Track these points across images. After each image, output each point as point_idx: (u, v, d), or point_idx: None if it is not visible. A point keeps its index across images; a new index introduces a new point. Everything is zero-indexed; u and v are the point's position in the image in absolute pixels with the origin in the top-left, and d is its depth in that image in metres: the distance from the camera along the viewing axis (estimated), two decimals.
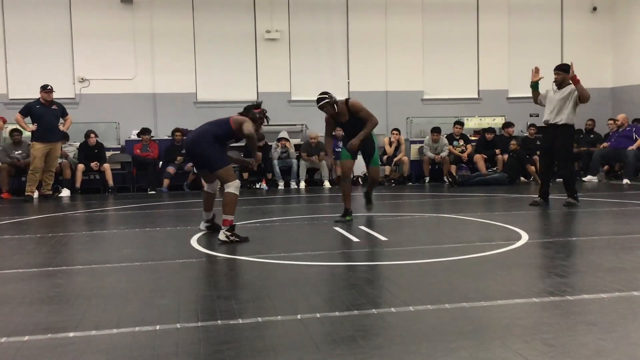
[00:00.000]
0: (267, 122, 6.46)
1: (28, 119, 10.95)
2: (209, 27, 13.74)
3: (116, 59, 13.32)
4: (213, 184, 6.40)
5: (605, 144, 13.20)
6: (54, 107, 10.98)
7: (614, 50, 15.26)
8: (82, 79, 13.26)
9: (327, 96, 6.85)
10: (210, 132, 6.00)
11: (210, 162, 5.97)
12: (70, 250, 5.81)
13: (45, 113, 10.83)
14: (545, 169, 8.95)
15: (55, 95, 11.15)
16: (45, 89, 10.87)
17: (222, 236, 5.79)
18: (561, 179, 9.01)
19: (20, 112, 10.96)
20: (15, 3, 12.96)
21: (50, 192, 11.14)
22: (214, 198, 6.48)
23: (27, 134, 11.34)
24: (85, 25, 13.20)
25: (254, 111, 6.27)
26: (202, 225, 6.54)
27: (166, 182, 12.23)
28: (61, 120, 11.10)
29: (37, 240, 6.30)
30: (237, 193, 5.89)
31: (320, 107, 6.93)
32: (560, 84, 8.45)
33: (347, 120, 7.01)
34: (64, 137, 11.67)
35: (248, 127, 5.96)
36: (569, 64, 8.37)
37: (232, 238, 5.76)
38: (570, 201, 8.44)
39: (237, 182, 5.95)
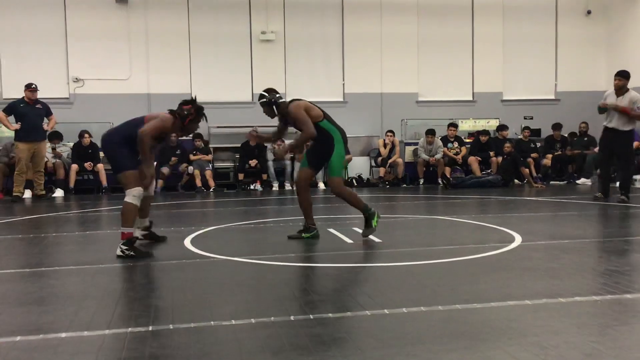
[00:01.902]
0: (205, 120, 5.70)
1: (12, 118, 10.92)
2: (204, 28, 13.73)
3: (111, 59, 13.30)
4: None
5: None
6: (38, 106, 10.93)
7: (608, 53, 15.32)
8: (76, 79, 13.24)
9: (266, 95, 5.89)
10: (121, 132, 5.43)
11: (112, 163, 5.42)
12: (63, 250, 5.79)
13: (29, 112, 10.77)
14: (603, 168, 9.53)
15: (49, 95, 11.13)
16: (30, 88, 10.82)
17: (118, 251, 5.19)
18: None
19: (3, 111, 10.92)
20: (9, 3, 12.92)
21: (44, 192, 11.11)
22: (148, 201, 5.86)
23: (10, 133, 11.30)
24: (80, 25, 13.17)
25: (183, 107, 5.54)
26: (137, 233, 5.75)
27: (160, 183, 12.21)
28: (45, 120, 11.05)
29: (30, 241, 6.27)
30: (136, 203, 5.28)
31: (261, 105, 6.04)
32: (619, 90, 8.89)
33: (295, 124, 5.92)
34: (47, 137, 11.53)
35: (148, 127, 5.32)
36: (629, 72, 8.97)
37: (127, 253, 5.14)
38: (622, 198, 8.96)
39: (136, 190, 5.29)
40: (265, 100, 5.88)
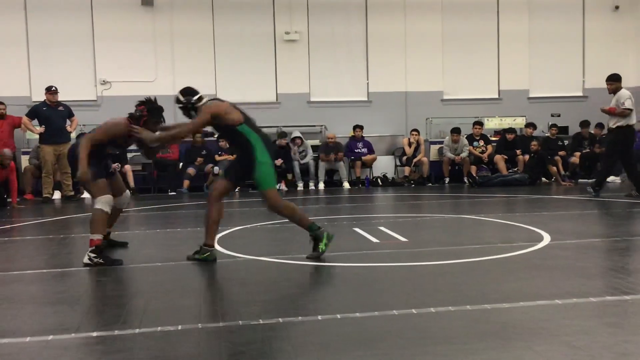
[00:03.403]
0: (161, 120, 5.46)
1: (35, 122, 11.09)
2: (228, 29, 13.79)
3: (137, 61, 13.42)
4: (116, 196, 5.61)
5: None
6: (60, 108, 11.08)
7: (637, 49, 15.04)
8: (103, 81, 13.39)
9: (182, 100, 5.24)
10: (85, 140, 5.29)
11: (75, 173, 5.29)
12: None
13: (52, 115, 10.94)
14: (625, 166, 9.75)
15: (77, 98, 11.28)
16: (50, 90, 10.99)
17: (85, 258, 5.05)
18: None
19: (27, 115, 11.11)
20: (37, 7, 13.11)
21: (72, 193, 11.26)
22: (117, 213, 5.83)
23: (34, 136, 11.49)
24: (107, 28, 13.32)
25: (136, 108, 5.37)
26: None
27: (186, 183, 12.30)
28: (68, 122, 11.21)
29: (60, 241, 6.37)
30: (105, 209, 5.16)
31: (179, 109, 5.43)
32: (613, 92, 9.39)
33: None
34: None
35: (94, 133, 5.25)
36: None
37: (95, 260, 4.99)
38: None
39: (105, 198, 5.18)
40: (181, 106, 5.27)
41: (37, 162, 11.65)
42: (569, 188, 11.45)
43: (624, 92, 9.27)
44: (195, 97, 5.19)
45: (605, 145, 9.67)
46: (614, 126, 9.28)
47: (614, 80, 9.43)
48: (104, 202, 5.18)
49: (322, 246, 5.03)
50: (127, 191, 5.97)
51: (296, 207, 5.19)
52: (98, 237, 5.11)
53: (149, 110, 5.36)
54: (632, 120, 9.31)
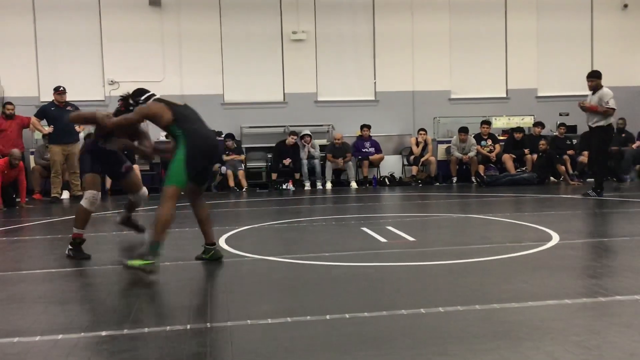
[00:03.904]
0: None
1: (44, 122, 11.13)
2: (235, 29, 13.81)
3: (145, 61, 13.46)
4: (134, 193, 5.97)
5: (638, 143, 13.00)
6: (68, 108, 11.12)
7: None
8: (111, 81, 13.43)
9: (131, 102, 5.16)
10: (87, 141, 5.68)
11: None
12: (102, 250, 5.87)
13: (60, 115, 10.97)
14: (594, 165, 9.81)
15: (85, 98, 11.32)
16: (58, 90, 11.04)
17: (67, 250, 5.40)
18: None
19: (35, 115, 11.17)
20: (45, 8, 13.17)
21: (81, 193, 11.28)
22: (134, 207, 6.16)
23: (40, 136, 11.56)
24: (115, 29, 13.36)
25: (118, 102, 5.49)
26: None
27: None
28: None
29: (68, 241, 6.38)
30: (88, 207, 5.33)
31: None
32: (594, 90, 9.29)
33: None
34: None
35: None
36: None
37: (70, 253, 5.31)
38: (589, 193, 9.40)
39: (90, 194, 5.36)
40: (117, 108, 5.35)
41: (43, 162, 11.70)
42: (578, 187, 11.40)
43: (607, 91, 9.19)
44: (143, 97, 5.10)
45: (591, 145, 9.50)
46: (594, 125, 9.22)
47: (595, 77, 9.34)
48: (86, 198, 5.36)
49: (137, 262, 4.44)
50: (144, 188, 6.13)
51: (170, 223, 4.67)
52: (79, 231, 5.36)
53: (125, 107, 5.32)
54: (612, 119, 9.34)
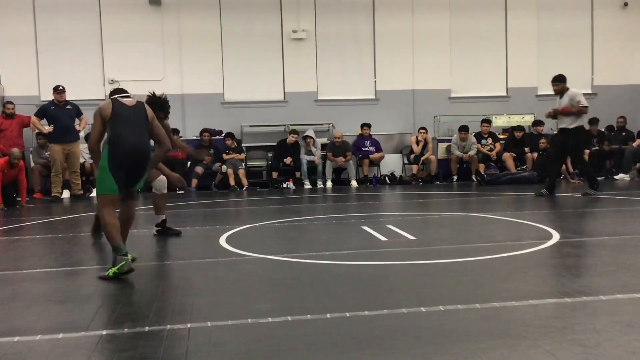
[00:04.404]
0: (165, 115, 5.82)
1: (44, 121, 11.14)
2: (236, 28, 13.81)
3: (145, 60, 13.46)
4: (156, 183, 6.39)
5: (639, 141, 13.01)
6: (68, 107, 11.12)
7: None
8: (111, 80, 13.42)
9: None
10: None
11: None
12: (102, 249, 5.88)
13: (60, 114, 11.00)
14: (554, 167, 9.85)
15: (85, 97, 11.32)
16: (57, 90, 11.05)
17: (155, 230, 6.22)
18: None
19: (35, 115, 11.18)
20: (46, 7, 13.17)
21: (81, 192, 11.31)
22: (162, 199, 6.46)
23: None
24: (115, 28, 13.36)
25: None
26: (154, 230, 6.49)
27: (194, 181, 12.33)
28: (77, 121, 11.25)
29: (69, 240, 6.39)
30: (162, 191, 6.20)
31: None
32: (560, 93, 9.32)
33: None
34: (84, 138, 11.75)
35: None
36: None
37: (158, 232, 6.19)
38: (588, 192, 9.36)
39: (159, 183, 6.31)
40: None
41: (41, 161, 11.70)
42: (578, 186, 11.40)
43: (577, 91, 9.24)
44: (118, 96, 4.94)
45: (570, 147, 9.36)
46: (571, 127, 9.16)
47: (560, 81, 9.34)
48: (157, 189, 6.28)
49: (111, 270, 4.40)
50: (162, 176, 6.42)
51: (115, 226, 4.57)
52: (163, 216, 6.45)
53: (151, 104, 5.41)
54: (585, 118, 9.40)
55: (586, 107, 9.21)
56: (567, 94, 9.23)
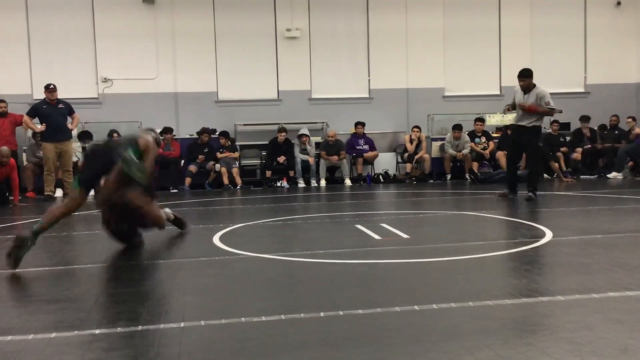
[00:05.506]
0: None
1: (36, 120, 11.09)
2: (229, 26, 13.79)
3: (138, 58, 13.42)
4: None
5: (638, 130, 13.16)
6: (60, 105, 11.06)
7: (639, 45, 15.03)
8: (105, 79, 13.39)
9: None
10: None
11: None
12: (95, 248, 5.87)
13: (52, 112, 10.92)
14: (511, 166, 9.44)
15: (78, 95, 11.27)
16: (48, 88, 10.98)
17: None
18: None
19: (27, 114, 11.12)
20: (39, 5, 13.12)
21: None
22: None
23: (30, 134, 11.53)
24: (108, 26, 13.32)
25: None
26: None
27: (188, 180, 12.31)
28: (69, 119, 11.20)
29: (62, 239, 6.37)
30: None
31: None
32: (526, 89, 8.86)
33: None
34: (77, 136, 11.71)
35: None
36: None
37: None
38: (530, 195, 8.84)
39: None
40: None
41: (34, 160, 11.65)
42: (571, 184, 11.44)
43: (545, 91, 8.82)
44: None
45: (525, 145, 9.01)
46: (529, 125, 8.83)
47: (527, 77, 8.83)
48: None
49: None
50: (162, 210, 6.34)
51: (56, 217, 5.15)
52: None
53: None
54: (546, 120, 9.15)
55: (554, 109, 9.00)
56: (535, 91, 8.81)
